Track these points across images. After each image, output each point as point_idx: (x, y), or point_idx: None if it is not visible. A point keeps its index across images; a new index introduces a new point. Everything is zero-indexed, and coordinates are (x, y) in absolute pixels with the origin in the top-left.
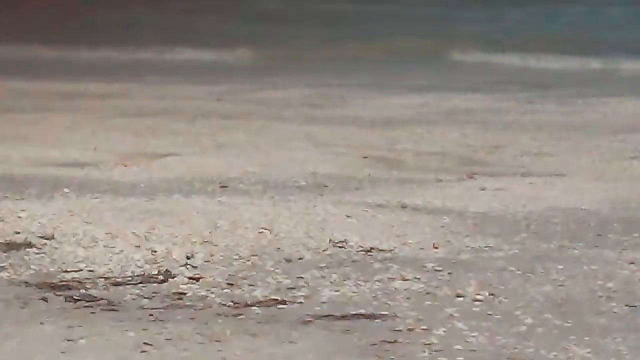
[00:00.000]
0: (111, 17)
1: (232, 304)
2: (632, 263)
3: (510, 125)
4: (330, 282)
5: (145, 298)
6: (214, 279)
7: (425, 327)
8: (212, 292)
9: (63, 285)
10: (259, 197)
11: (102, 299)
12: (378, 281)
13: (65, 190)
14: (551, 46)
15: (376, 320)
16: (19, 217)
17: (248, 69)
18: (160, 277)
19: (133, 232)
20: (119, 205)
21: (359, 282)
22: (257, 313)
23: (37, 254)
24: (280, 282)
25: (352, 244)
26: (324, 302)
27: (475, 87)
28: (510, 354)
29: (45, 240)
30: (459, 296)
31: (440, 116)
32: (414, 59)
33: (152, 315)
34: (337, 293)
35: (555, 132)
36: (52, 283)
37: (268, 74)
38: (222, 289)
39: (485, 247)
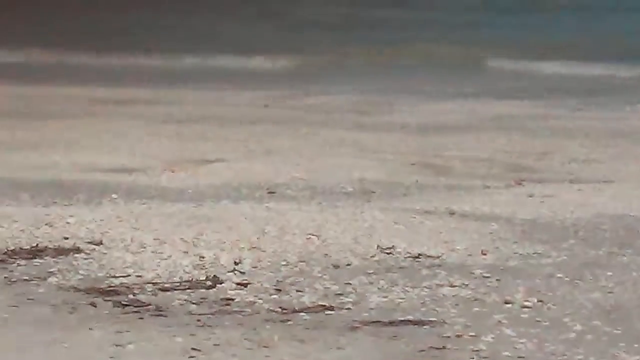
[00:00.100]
0: (150, 23)
1: (280, 309)
2: None
3: (558, 132)
4: (378, 288)
5: (193, 304)
6: (261, 284)
7: (473, 334)
8: (260, 298)
9: (111, 291)
10: (306, 203)
11: (150, 304)
12: (426, 287)
13: (114, 196)
14: (592, 52)
15: (424, 327)
16: (68, 222)
17: (294, 76)
18: (208, 283)
19: (181, 238)
20: (166, 211)
21: (406, 289)
22: (305, 319)
23: (85, 259)
24: (328, 288)
25: (399, 250)
26: (371, 308)
27: (521, 93)
28: None
29: (93, 246)
30: (507, 303)
31: (488, 122)
32: (452, 66)
33: (199, 320)
34: (384, 299)
35: (602, 139)
36: (101, 288)
37: (314, 80)
38: (270, 295)
39: (534, 253)
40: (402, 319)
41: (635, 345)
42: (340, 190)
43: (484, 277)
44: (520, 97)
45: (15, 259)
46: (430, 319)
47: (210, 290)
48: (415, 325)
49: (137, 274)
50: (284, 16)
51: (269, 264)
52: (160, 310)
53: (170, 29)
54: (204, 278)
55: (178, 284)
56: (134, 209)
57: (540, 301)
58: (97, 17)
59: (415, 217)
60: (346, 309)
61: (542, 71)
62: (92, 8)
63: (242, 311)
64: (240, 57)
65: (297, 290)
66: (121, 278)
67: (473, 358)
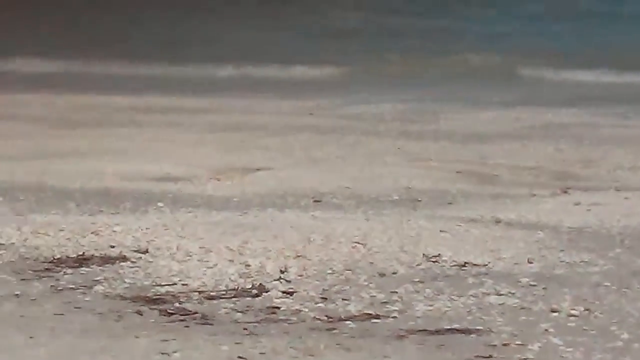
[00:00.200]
0: (192, 34)
1: (325, 318)
2: None
3: (605, 140)
4: (424, 296)
5: (239, 312)
6: (307, 293)
7: (520, 342)
8: (305, 307)
9: (157, 299)
10: (352, 212)
11: (196, 312)
12: (472, 296)
13: (159, 204)
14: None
15: (471, 335)
16: (114, 231)
17: (336, 84)
18: (254, 291)
19: (227, 246)
20: (212, 219)
21: (453, 297)
22: (351, 327)
23: (131, 267)
24: (374, 296)
25: (445, 258)
26: (418, 317)
27: (567, 102)
28: None
29: (139, 254)
30: (554, 311)
31: (534, 131)
32: (488, 74)
33: (246, 329)
34: (431, 308)
35: None
36: (147, 297)
37: (357, 89)
38: (316, 303)
39: (580, 262)
40: (449, 327)
41: None
42: (386, 198)
43: (530, 285)
44: (569, 105)
45: (61, 267)
46: (477, 327)
47: (256, 298)
48: (462, 334)
49: (183, 282)
50: (311, 25)
51: (314, 272)
52: (206, 319)
53: (211, 39)
54: (250, 286)
55: (224, 292)
56: (180, 217)
57: (587, 310)
58: (141, 28)
59: (461, 226)
60: (392, 317)
61: (580, 79)
62: (135, 20)
63: (287, 319)
64: (280, 66)
65: (343, 299)
66: (167, 286)
67: None
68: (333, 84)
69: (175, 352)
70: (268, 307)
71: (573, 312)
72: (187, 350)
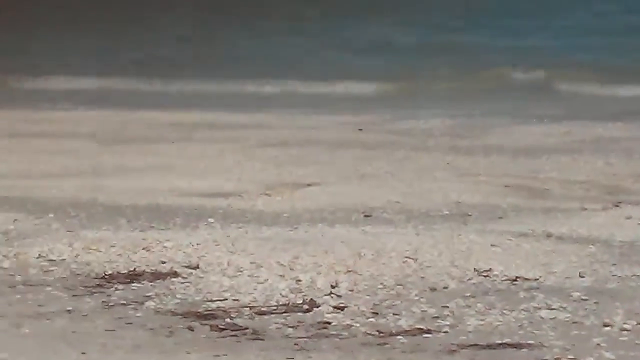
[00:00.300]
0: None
1: (377, 333)
2: None
3: None
4: (476, 311)
5: (290, 327)
6: (358, 308)
7: (572, 357)
8: (356, 322)
9: (208, 315)
10: (402, 226)
11: (247, 328)
12: (524, 310)
13: (210, 220)
14: None
15: (522, 350)
16: (165, 246)
17: (385, 100)
18: (305, 306)
19: (277, 262)
20: (263, 234)
21: (504, 311)
22: (402, 342)
23: (182, 283)
24: (425, 311)
25: (497, 273)
26: (469, 332)
27: (614, 116)
28: None
29: (190, 270)
30: (606, 325)
31: (584, 145)
32: (528, 89)
33: (297, 344)
34: (482, 322)
35: None
36: (198, 312)
37: (405, 104)
38: (367, 318)
39: (632, 275)
40: (500, 342)
41: None
42: (437, 213)
43: (582, 299)
44: (618, 119)
45: (112, 283)
46: (528, 342)
47: (307, 313)
48: (514, 349)
49: (234, 297)
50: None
51: (365, 287)
52: (258, 334)
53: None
54: (301, 301)
55: (275, 307)
56: (231, 232)
57: None
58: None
59: (511, 240)
60: (443, 332)
61: (622, 94)
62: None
63: (339, 334)
64: (325, 82)
65: (394, 314)
66: (218, 302)
67: None
68: (380, 100)
69: None
70: (319, 322)
71: (625, 326)
72: None
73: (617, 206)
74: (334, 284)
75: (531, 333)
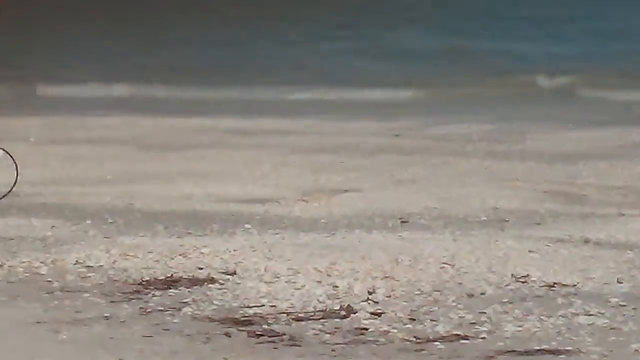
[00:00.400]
0: (268, 58)
1: (414, 339)
2: None
3: None
4: (513, 317)
5: (328, 333)
6: (395, 314)
7: None
8: (394, 327)
9: (245, 321)
10: (439, 232)
11: (284, 334)
12: (561, 316)
13: (247, 226)
14: None
15: (560, 356)
16: (202, 253)
17: (420, 106)
18: (342, 313)
19: (314, 268)
20: (300, 240)
21: (542, 317)
22: (440, 348)
23: (219, 289)
24: (462, 317)
25: (534, 279)
26: (507, 338)
27: None
28: None
29: (227, 276)
30: None
31: (621, 150)
32: (564, 94)
33: (334, 350)
34: (520, 328)
35: None
36: (235, 318)
37: (440, 110)
38: (404, 324)
39: None
40: (538, 348)
41: None
42: (474, 219)
43: (620, 305)
44: None
45: (150, 289)
46: (566, 348)
47: (344, 319)
48: (551, 355)
49: (271, 303)
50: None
51: (402, 293)
52: (295, 340)
53: (285, 62)
54: (338, 307)
55: (312, 313)
56: (268, 239)
57: None
58: (217, 51)
59: (549, 246)
60: (481, 338)
61: None
62: (212, 43)
63: (376, 341)
64: (357, 88)
65: (431, 320)
66: (255, 308)
67: None
68: (416, 105)
69: None
70: (356, 328)
71: None
72: None
73: None
74: (371, 290)
75: (569, 339)
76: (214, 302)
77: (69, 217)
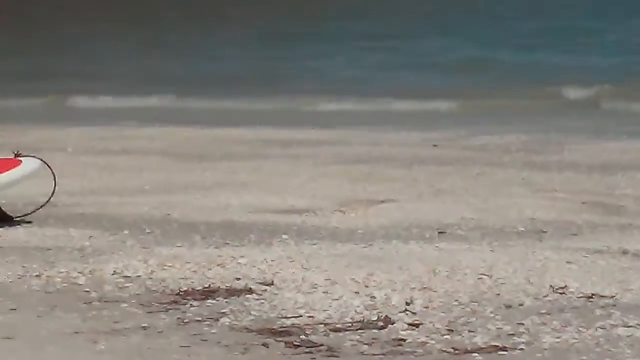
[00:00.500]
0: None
1: (452, 350)
2: None
3: None
4: (551, 328)
5: (365, 344)
6: (433, 325)
7: None
8: (431, 339)
9: (283, 331)
10: (477, 243)
11: (322, 344)
12: (600, 328)
13: (284, 236)
14: None
15: None
16: (239, 263)
17: (457, 116)
18: (380, 323)
19: (352, 278)
20: (337, 251)
21: (580, 329)
22: (478, 359)
23: (257, 299)
24: (500, 328)
25: (572, 290)
26: (545, 349)
27: None
28: None
29: (265, 286)
30: None
31: None
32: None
33: None
34: (558, 340)
35: None
36: (273, 329)
37: (477, 120)
38: (442, 335)
39: None
40: (577, 359)
41: None
42: (511, 229)
43: None
44: None
45: (187, 299)
46: (605, 359)
47: (382, 330)
48: None
49: (308, 314)
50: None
51: (440, 304)
52: (332, 351)
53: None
54: (376, 318)
55: (350, 324)
56: (305, 249)
57: None
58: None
59: (587, 257)
60: (519, 349)
61: None
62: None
63: (414, 351)
64: (393, 99)
65: (469, 331)
66: (293, 318)
67: None
68: (452, 116)
69: None
70: (394, 339)
71: None
72: None
73: None
74: (408, 301)
75: (608, 351)
76: (252, 312)
77: (106, 227)
